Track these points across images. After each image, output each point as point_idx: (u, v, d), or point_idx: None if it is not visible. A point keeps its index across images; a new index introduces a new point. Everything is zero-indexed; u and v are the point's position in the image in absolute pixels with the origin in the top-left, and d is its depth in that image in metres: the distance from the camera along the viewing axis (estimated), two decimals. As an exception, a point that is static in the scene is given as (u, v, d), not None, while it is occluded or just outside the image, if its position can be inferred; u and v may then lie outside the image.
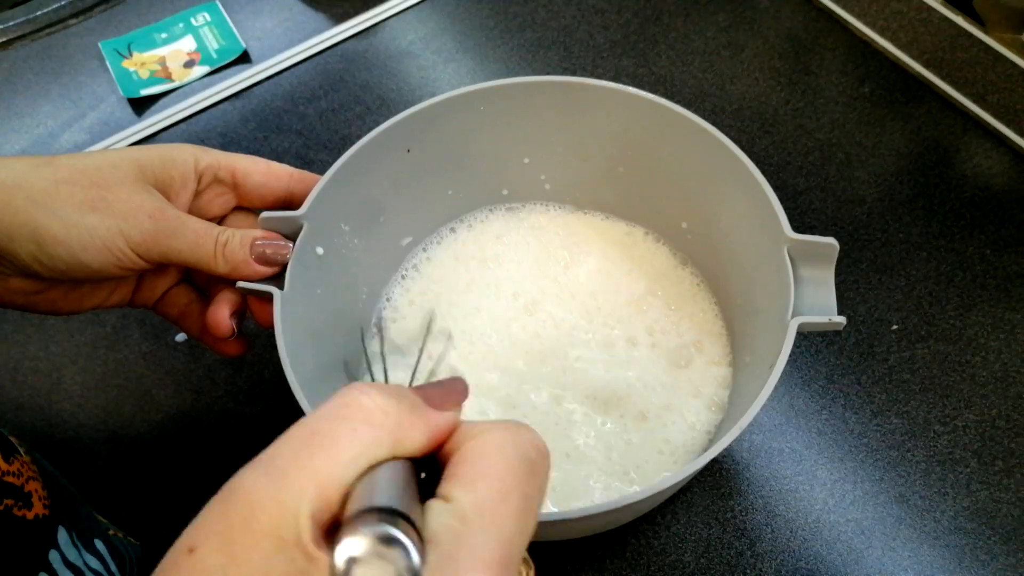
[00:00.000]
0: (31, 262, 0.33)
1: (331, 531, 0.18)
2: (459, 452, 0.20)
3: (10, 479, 0.30)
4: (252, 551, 0.17)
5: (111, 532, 0.38)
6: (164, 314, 0.41)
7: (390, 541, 0.16)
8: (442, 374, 0.36)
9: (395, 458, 0.20)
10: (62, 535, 0.32)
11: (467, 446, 0.20)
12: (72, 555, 0.32)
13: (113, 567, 0.36)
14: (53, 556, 0.31)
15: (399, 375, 0.43)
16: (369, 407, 0.20)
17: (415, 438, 0.20)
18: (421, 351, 0.36)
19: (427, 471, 0.21)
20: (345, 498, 0.18)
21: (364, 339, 0.45)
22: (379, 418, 0.20)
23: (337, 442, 0.19)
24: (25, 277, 0.35)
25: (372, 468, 0.19)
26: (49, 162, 0.34)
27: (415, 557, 0.16)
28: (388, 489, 0.18)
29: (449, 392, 0.23)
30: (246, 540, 0.17)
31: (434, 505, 0.19)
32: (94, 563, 0.34)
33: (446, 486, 0.19)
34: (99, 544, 0.35)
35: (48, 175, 0.33)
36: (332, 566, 0.16)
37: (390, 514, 0.17)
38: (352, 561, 0.16)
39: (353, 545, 0.16)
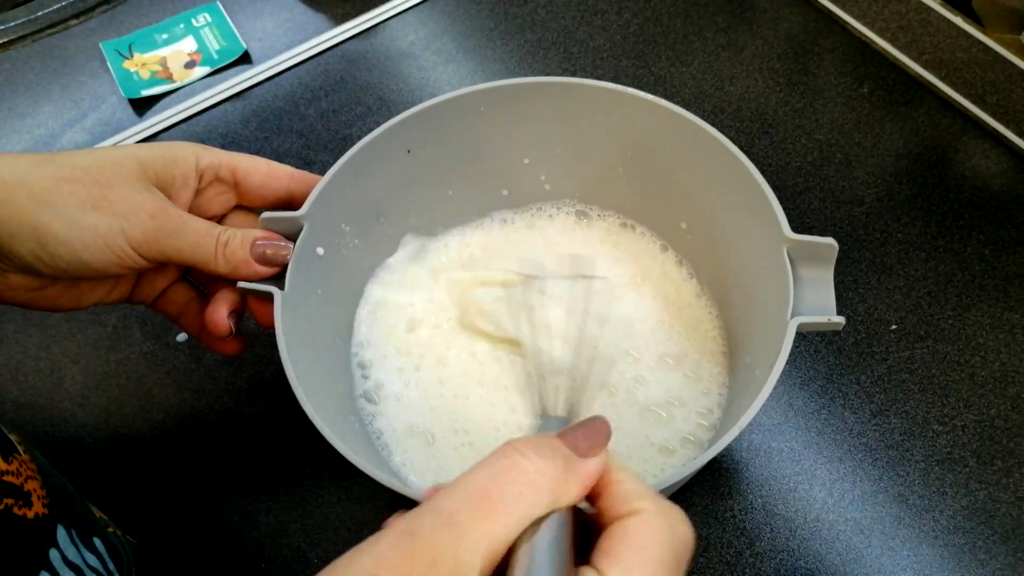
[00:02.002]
0: (32, 260, 0.33)
1: None
2: (618, 526, 0.22)
3: (9, 478, 0.30)
4: None
5: (110, 530, 0.38)
6: (163, 312, 0.41)
7: None
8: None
9: (556, 511, 0.22)
10: (61, 534, 0.32)
11: (626, 523, 0.22)
12: (71, 553, 0.32)
13: (111, 565, 0.36)
14: (53, 555, 0.31)
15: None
16: (530, 470, 0.22)
17: (571, 492, 0.23)
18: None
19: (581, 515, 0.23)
20: (508, 552, 0.21)
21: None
22: (540, 481, 0.22)
23: (506, 505, 0.21)
24: (26, 274, 0.35)
25: (533, 525, 0.21)
26: (51, 160, 0.34)
27: None
28: (547, 559, 0.21)
29: (595, 438, 0.24)
30: None
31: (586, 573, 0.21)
32: (93, 561, 0.34)
33: (603, 560, 0.21)
34: (98, 542, 0.35)
35: (50, 173, 0.33)
36: None
37: None
38: None
39: None
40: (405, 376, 0.44)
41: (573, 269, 0.45)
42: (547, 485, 0.22)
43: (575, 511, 0.23)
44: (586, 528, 0.23)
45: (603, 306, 0.46)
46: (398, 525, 0.21)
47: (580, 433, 0.24)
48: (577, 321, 0.42)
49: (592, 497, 0.23)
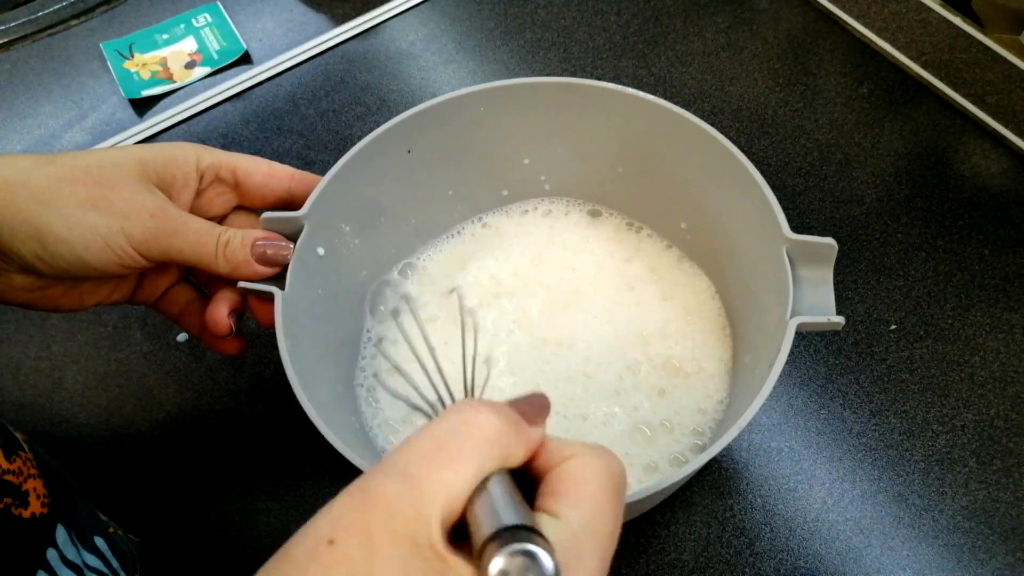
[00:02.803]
0: (33, 260, 0.33)
1: (453, 535, 0.21)
2: (557, 470, 0.23)
3: (9, 478, 0.30)
4: (391, 549, 0.19)
5: (111, 530, 0.39)
6: (164, 312, 0.41)
7: (531, 555, 0.19)
8: (479, 361, 0.38)
9: (501, 469, 0.23)
10: (60, 533, 0.32)
11: (565, 467, 0.23)
12: (71, 553, 0.32)
13: (115, 563, 0.36)
14: (51, 555, 0.31)
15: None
16: (485, 425, 0.22)
17: (518, 453, 0.23)
18: (474, 347, 0.37)
19: (518, 478, 0.24)
20: (464, 506, 0.21)
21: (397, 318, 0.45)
22: (494, 436, 0.22)
23: (462, 457, 0.21)
24: (27, 275, 0.35)
25: (485, 480, 0.22)
26: (51, 160, 0.34)
27: (550, 567, 0.19)
28: (512, 507, 0.21)
29: (539, 409, 0.26)
30: (385, 538, 0.19)
31: (546, 520, 0.22)
32: (93, 561, 0.34)
33: (551, 502, 0.22)
34: (99, 541, 0.35)
35: (51, 173, 0.33)
36: None
37: (525, 531, 0.20)
38: (504, 574, 0.19)
39: (503, 563, 0.19)
40: (405, 376, 0.44)
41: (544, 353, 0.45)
42: (501, 441, 0.22)
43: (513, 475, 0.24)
44: (523, 490, 0.24)
45: (601, 304, 0.46)
46: (351, 485, 0.21)
47: (526, 403, 0.25)
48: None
49: (534, 474, 0.24)
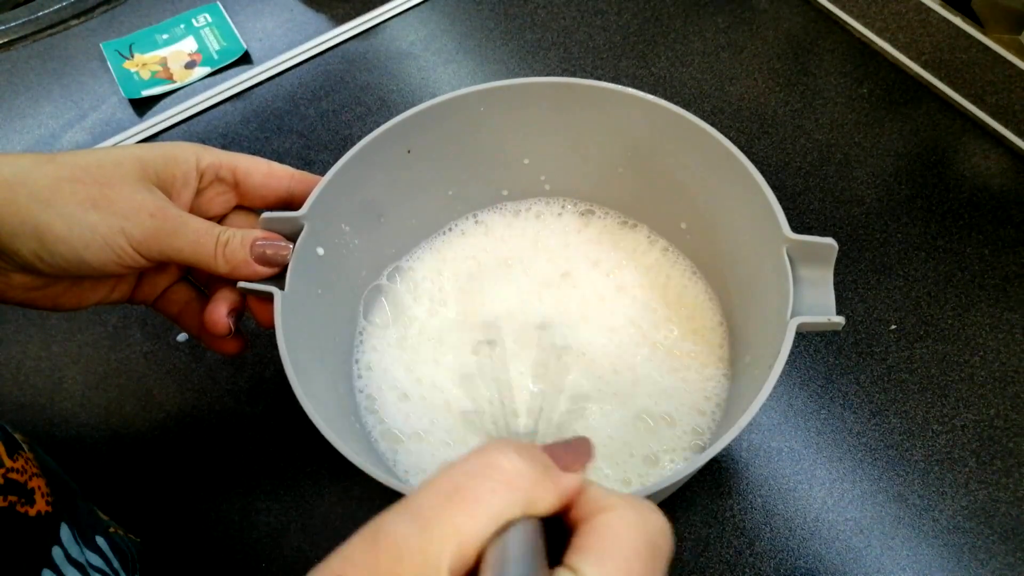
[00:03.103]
0: (33, 259, 0.33)
1: None
2: (589, 523, 0.21)
3: (14, 476, 0.30)
4: None
5: (112, 530, 0.39)
6: (163, 311, 0.41)
7: None
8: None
9: (526, 517, 0.21)
10: (64, 532, 0.32)
11: (598, 520, 0.21)
12: (75, 551, 0.32)
13: (116, 563, 0.36)
14: (56, 553, 0.31)
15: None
16: (507, 469, 0.21)
17: (546, 500, 0.22)
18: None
19: (553, 529, 0.22)
20: (479, 553, 0.20)
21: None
22: (516, 480, 0.21)
23: (478, 501, 0.20)
24: (27, 273, 0.35)
25: (505, 527, 0.21)
26: (52, 159, 0.34)
27: None
28: (524, 559, 0.20)
29: (577, 454, 0.24)
30: None
31: (563, 575, 0.20)
32: (96, 560, 0.34)
33: (575, 557, 0.20)
34: (101, 541, 0.35)
35: (51, 172, 0.33)
36: None
37: None
38: None
39: None
40: (406, 376, 0.44)
41: (542, 341, 0.45)
42: (523, 486, 0.21)
43: (546, 525, 0.22)
44: (556, 542, 0.22)
45: (601, 304, 0.46)
46: (367, 525, 0.21)
47: (563, 447, 0.24)
48: (548, 399, 0.42)
49: (564, 512, 0.23)
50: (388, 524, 0.20)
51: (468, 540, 0.20)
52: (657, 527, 0.22)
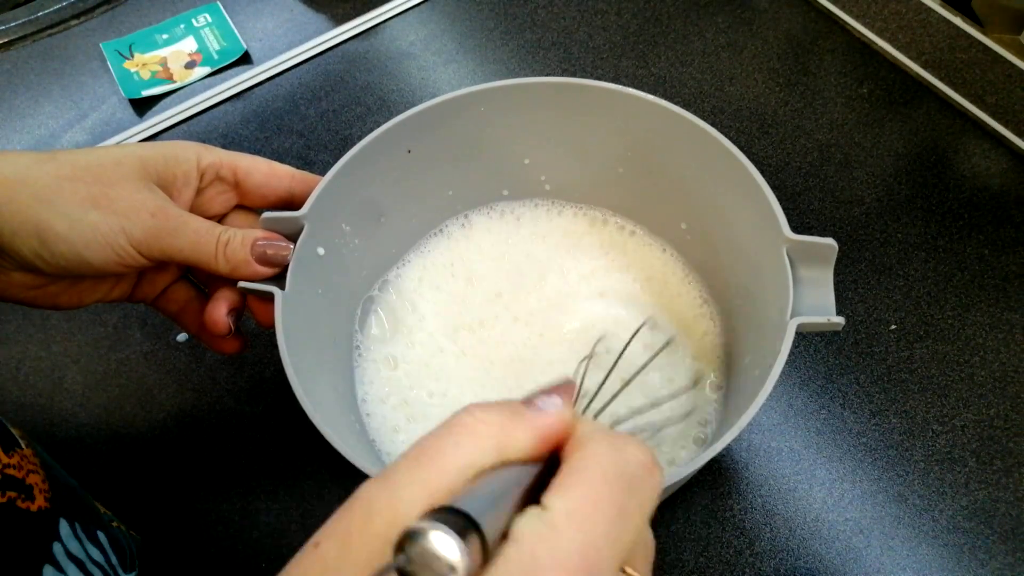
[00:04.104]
0: (33, 258, 0.33)
1: None
2: (566, 462, 0.21)
3: (11, 471, 0.30)
4: (365, 547, 0.19)
5: (114, 524, 0.39)
6: (163, 310, 0.41)
7: (448, 538, 0.18)
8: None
9: (507, 464, 0.21)
10: (63, 527, 0.32)
11: (573, 457, 0.21)
12: (74, 547, 0.32)
13: (114, 559, 0.36)
14: (56, 548, 0.31)
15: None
16: (469, 421, 0.21)
17: (521, 440, 0.21)
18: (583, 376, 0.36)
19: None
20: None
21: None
22: (480, 429, 0.21)
23: (444, 455, 0.20)
24: (27, 272, 0.35)
25: (483, 474, 0.20)
26: (52, 158, 0.34)
27: (453, 554, 0.18)
28: (475, 494, 0.19)
29: (555, 393, 0.23)
30: (362, 538, 0.19)
31: (528, 510, 0.20)
32: (96, 555, 0.34)
33: (546, 496, 0.20)
34: (101, 536, 0.35)
35: (51, 171, 0.33)
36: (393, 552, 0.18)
37: (454, 512, 0.18)
38: (402, 546, 0.18)
39: (408, 534, 0.18)
40: (406, 376, 0.44)
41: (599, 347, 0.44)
42: (489, 432, 0.21)
43: (542, 472, 0.22)
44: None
45: (601, 304, 0.46)
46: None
47: (540, 392, 0.23)
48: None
49: (559, 456, 0.22)
50: (360, 491, 0.21)
51: (437, 493, 0.20)
52: (634, 458, 0.21)
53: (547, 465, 0.22)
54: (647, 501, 0.22)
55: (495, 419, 0.21)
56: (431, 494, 0.20)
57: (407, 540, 0.18)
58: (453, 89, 0.43)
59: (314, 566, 0.19)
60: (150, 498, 0.45)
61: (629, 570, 0.21)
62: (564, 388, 0.24)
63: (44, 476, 0.32)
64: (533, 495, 0.20)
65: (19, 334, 0.51)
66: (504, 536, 0.19)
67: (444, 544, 0.17)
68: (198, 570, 0.43)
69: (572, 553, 0.19)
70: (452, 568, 0.17)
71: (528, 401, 0.23)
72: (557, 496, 0.20)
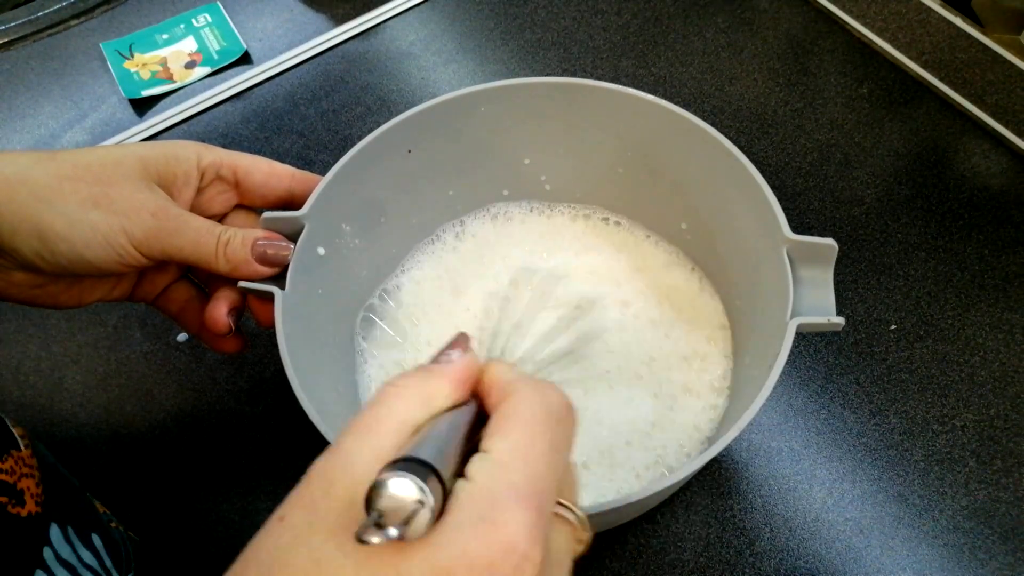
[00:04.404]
0: (33, 257, 0.33)
1: None
2: (498, 410, 0.24)
3: (3, 476, 0.30)
4: (331, 511, 0.21)
5: (112, 525, 0.38)
6: (163, 309, 0.41)
7: (406, 480, 0.19)
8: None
9: (437, 414, 0.23)
10: (55, 532, 0.32)
11: (504, 404, 0.24)
12: (65, 552, 0.32)
13: (108, 562, 0.36)
14: (47, 553, 0.31)
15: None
16: (392, 389, 0.24)
17: (441, 388, 0.24)
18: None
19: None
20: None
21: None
22: (403, 391, 0.24)
23: (379, 419, 0.23)
24: (27, 271, 0.35)
25: (421, 427, 0.23)
26: (53, 157, 0.34)
27: (417, 493, 0.19)
28: (423, 443, 0.21)
29: (454, 345, 0.26)
30: (327, 503, 0.21)
31: (475, 457, 0.22)
32: (88, 558, 0.34)
33: (486, 441, 0.23)
34: (96, 539, 0.35)
35: (52, 170, 0.33)
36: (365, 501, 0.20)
37: (406, 461, 0.20)
38: (370, 502, 0.19)
39: (373, 488, 0.19)
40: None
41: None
42: (412, 391, 0.23)
43: (476, 417, 0.24)
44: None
45: (601, 305, 0.46)
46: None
47: (443, 348, 0.26)
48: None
49: (483, 403, 0.25)
50: (314, 467, 0.23)
51: (385, 452, 0.22)
52: (557, 400, 0.24)
53: (476, 414, 0.24)
54: (570, 436, 0.25)
55: (413, 380, 0.24)
56: (380, 455, 0.22)
57: (374, 493, 0.19)
58: (453, 89, 0.43)
59: (284, 535, 0.21)
60: (150, 498, 0.45)
61: (563, 500, 0.24)
62: (460, 340, 0.27)
63: (38, 479, 0.32)
64: (471, 438, 0.23)
65: (19, 334, 0.51)
66: (458, 478, 0.21)
67: (406, 487, 0.19)
68: (198, 570, 0.43)
69: (521, 483, 0.21)
70: (420, 504, 0.19)
71: (435, 359, 0.26)
72: (498, 439, 0.22)
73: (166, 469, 0.46)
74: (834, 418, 0.46)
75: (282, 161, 0.41)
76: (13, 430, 0.32)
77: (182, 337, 0.50)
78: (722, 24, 0.64)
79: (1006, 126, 0.56)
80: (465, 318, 0.46)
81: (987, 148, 0.56)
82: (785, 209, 0.37)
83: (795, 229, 0.37)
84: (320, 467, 0.22)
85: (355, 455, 0.22)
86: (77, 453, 0.47)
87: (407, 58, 0.63)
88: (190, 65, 0.64)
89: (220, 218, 0.40)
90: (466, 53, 0.64)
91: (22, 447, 0.32)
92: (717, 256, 0.45)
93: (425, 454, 0.21)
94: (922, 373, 0.47)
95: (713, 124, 0.41)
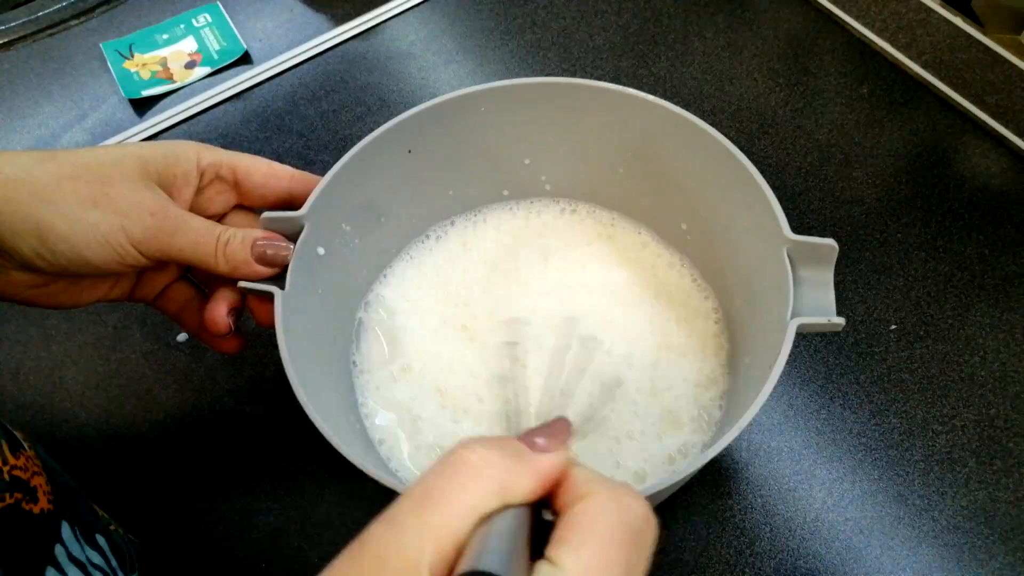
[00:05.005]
0: (33, 257, 0.33)
1: None
2: (568, 513, 0.21)
3: (18, 472, 0.30)
4: None
5: (112, 527, 0.39)
6: (163, 309, 0.41)
7: None
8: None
9: (508, 506, 0.21)
10: (65, 530, 0.32)
11: (576, 509, 0.21)
12: (75, 550, 0.33)
13: (114, 562, 0.36)
14: (58, 551, 0.31)
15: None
16: (474, 461, 0.21)
17: (523, 484, 0.22)
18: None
19: (549, 509, 0.22)
20: (460, 549, 0.20)
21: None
22: (485, 471, 0.21)
23: (449, 498, 0.21)
24: (27, 271, 0.35)
25: (487, 518, 0.21)
26: (52, 157, 0.34)
27: None
28: (494, 550, 0.20)
29: (554, 433, 0.24)
30: None
31: (542, 568, 0.20)
32: (96, 558, 0.34)
33: (554, 549, 0.20)
34: (101, 539, 0.36)
35: (51, 170, 0.33)
36: None
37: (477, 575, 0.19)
38: None
39: None
40: (406, 376, 0.44)
41: (568, 331, 0.45)
42: (493, 475, 0.21)
43: (536, 516, 0.22)
44: (548, 532, 0.22)
45: (601, 304, 0.46)
46: (353, 540, 0.21)
47: (538, 430, 0.24)
48: (569, 381, 0.42)
49: (552, 500, 0.23)
50: (368, 535, 0.21)
51: (445, 538, 0.20)
52: (637, 512, 0.22)
53: (537, 505, 0.22)
54: (648, 553, 0.22)
55: (497, 460, 0.22)
56: (438, 539, 0.20)
57: None
58: (453, 89, 0.43)
59: None
60: (150, 498, 0.45)
61: None
62: (560, 427, 0.24)
63: (47, 478, 0.32)
64: (532, 538, 0.21)
65: (19, 334, 0.51)
66: None
67: None
68: (198, 570, 0.43)
69: None
70: None
71: (528, 441, 0.23)
72: (569, 554, 0.20)
73: (166, 469, 0.46)
74: (834, 418, 0.46)
75: (282, 161, 0.41)
76: (16, 434, 0.32)
77: (182, 337, 0.50)
78: (722, 24, 0.64)
79: (1006, 126, 0.56)
80: (465, 319, 0.46)
81: (987, 148, 0.56)
82: (785, 209, 0.37)
83: (795, 229, 0.37)
84: (372, 539, 0.21)
85: (410, 534, 0.20)
86: (77, 453, 0.47)
87: (407, 58, 0.63)
88: (190, 65, 0.64)
89: (219, 218, 0.40)
90: (466, 53, 0.64)
91: (27, 447, 0.32)
92: (717, 256, 0.45)
93: (500, 567, 0.19)
94: (922, 373, 0.47)
95: (713, 124, 0.41)
